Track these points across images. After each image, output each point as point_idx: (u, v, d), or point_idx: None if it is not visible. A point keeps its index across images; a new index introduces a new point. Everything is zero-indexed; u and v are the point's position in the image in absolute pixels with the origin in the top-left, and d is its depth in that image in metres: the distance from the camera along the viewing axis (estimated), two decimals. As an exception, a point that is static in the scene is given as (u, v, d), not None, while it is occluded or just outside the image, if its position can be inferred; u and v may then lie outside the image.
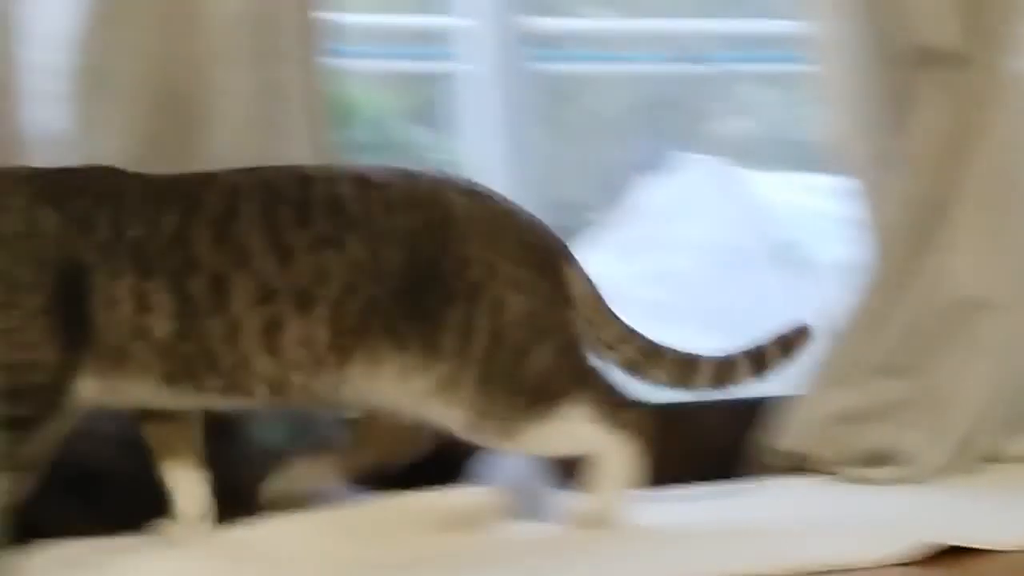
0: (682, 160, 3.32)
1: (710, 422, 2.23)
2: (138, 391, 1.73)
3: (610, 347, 1.88)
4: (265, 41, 2.00)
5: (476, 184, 1.91)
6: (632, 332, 1.88)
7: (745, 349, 1.91)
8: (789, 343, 1.92)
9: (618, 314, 1.88)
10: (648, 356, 1.89)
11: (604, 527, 1.78)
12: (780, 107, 3.65)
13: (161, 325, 1.71)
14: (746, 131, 3.62)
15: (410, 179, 1.84)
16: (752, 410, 2.27)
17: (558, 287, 1.83)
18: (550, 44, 3.74)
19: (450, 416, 1.77)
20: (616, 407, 1.82)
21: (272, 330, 1.73)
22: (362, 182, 1.80)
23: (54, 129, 1.90)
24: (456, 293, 1.76)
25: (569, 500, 1.91)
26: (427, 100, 4.29)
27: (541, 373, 1.79)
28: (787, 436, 2.30)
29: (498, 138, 3.40)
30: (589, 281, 1.88)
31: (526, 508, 1.90)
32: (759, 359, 1.91)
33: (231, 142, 1.97)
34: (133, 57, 1.92)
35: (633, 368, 1.87)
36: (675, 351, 1.87)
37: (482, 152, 3.44)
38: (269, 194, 1.76)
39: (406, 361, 1.75)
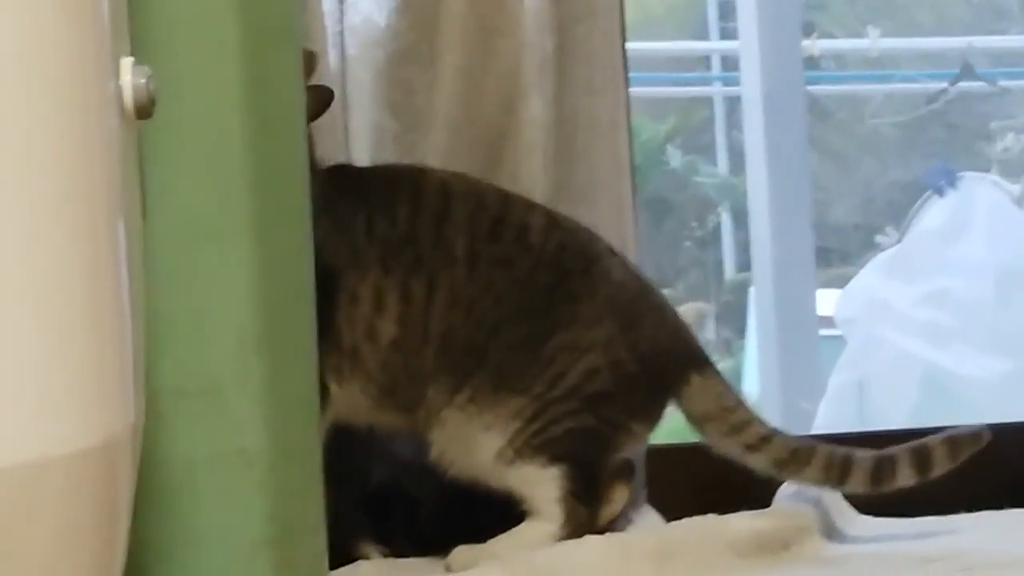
0: (963, 180, 3.25)
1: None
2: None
3: (754, 449, 1.81)
4: (571, 73, 2.03)
5: (647, 281, 1.87)
6: (776, 433, 1.81)
7: (909, 447, 1.81)
8: (958, 446, 1.80)
9: (760, 416, 1.83)
10: (796, 455, 1.82)
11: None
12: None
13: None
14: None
15: (590, 237, 1.84)
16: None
17: (657, 391, 1.79)
18: (823, 66, 3.72)
19: (488, 441, 1.74)
20: (580, 501, 1.76)
21: (448, 336, 1.73)
22: (551, 218, 1.81)
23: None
24: (568, 345, 1.77)
25: (867, 522, 1.88)
26: (694, 125, 4.31)
27: (565, 435, 1.77)
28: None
29: (771, 161, 3.38)
30: (726, 387, 1.83)
31: (829, 529, 1.88)
32: (923, 460, 1.80)
33: (536, 172, 2.00)
34: (443, 94, 1.97)
35: (781, 468, 1.80)
36: (827, 449, 1.79)
37: (755, 176, 3.43)
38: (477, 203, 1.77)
39: (499, 386, 1.74)
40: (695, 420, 1.80)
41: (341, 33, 1.97)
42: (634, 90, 2.10)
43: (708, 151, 4.19)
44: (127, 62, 0.95)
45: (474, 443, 1.73)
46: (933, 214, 3.26)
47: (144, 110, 0.96)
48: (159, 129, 1.04)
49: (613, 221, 2.00)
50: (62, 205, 0.86)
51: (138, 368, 0.93)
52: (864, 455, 1.76)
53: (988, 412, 2.87)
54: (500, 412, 1.73)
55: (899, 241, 3.34)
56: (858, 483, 1.77)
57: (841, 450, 1.77)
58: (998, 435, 1.96)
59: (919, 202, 3.31)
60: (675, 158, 4.24)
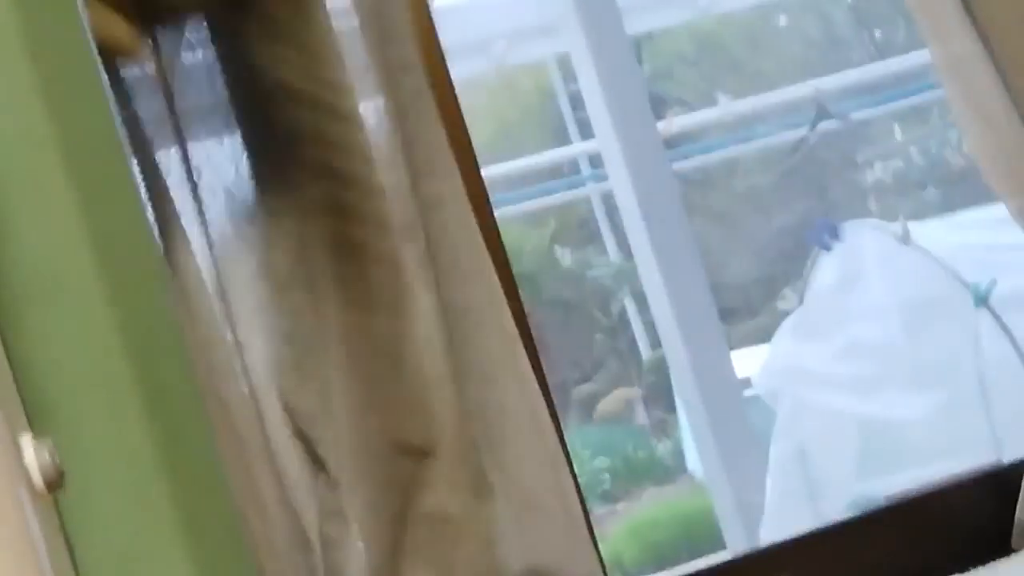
0: (846, 230, 3.29)
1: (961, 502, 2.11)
2: None
3: None
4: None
5: None
6: None
7: None
8: None
9: None
10: None
11: None
12: (929, 140, 3.61)
13: None
14: (899, 172, 3.59)
15: None
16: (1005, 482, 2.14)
17: None
18: (683, 140, 3.77)
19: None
20: None
21: None
22: None
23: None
24: None
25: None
26: (575, 222, 4.34)
27: None
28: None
29: (655, 242, 3.41)
30: None
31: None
32: None
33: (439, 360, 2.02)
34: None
35: None
36: None
37: (644, 258, 3.46)
38: None
39: None
40: None
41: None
42: (510, 208, 2.13)
43: (595, 243, 4.23)
44: (26, 440, 0.95)
45: None
46: (826, 270, 3.30)
47: (54, 484, 0.96)
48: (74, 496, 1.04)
49: (516, 397, 1.99)
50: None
51: None
52: None
53: (928, 449, 2.89)
54: None
55: (800, 303, 3.37)
56: None
57: None
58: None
59: (810, 261, 3.34)
60: (565, 257, 4.27)
